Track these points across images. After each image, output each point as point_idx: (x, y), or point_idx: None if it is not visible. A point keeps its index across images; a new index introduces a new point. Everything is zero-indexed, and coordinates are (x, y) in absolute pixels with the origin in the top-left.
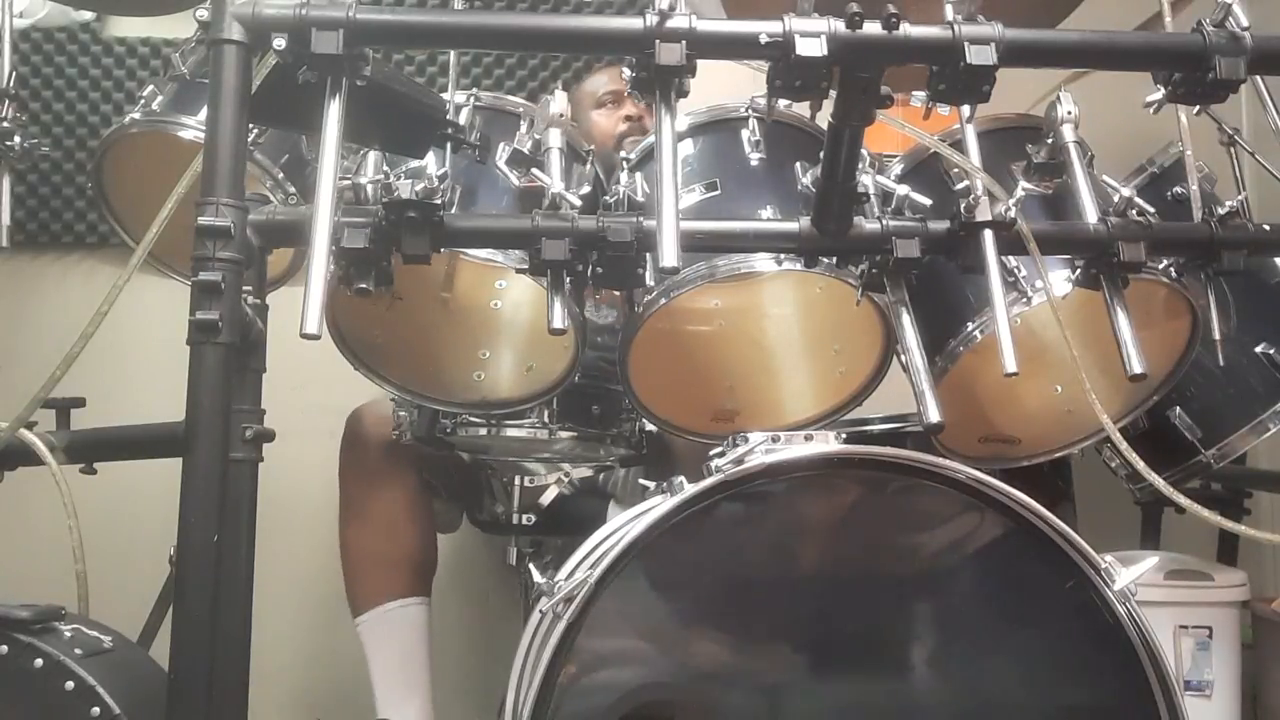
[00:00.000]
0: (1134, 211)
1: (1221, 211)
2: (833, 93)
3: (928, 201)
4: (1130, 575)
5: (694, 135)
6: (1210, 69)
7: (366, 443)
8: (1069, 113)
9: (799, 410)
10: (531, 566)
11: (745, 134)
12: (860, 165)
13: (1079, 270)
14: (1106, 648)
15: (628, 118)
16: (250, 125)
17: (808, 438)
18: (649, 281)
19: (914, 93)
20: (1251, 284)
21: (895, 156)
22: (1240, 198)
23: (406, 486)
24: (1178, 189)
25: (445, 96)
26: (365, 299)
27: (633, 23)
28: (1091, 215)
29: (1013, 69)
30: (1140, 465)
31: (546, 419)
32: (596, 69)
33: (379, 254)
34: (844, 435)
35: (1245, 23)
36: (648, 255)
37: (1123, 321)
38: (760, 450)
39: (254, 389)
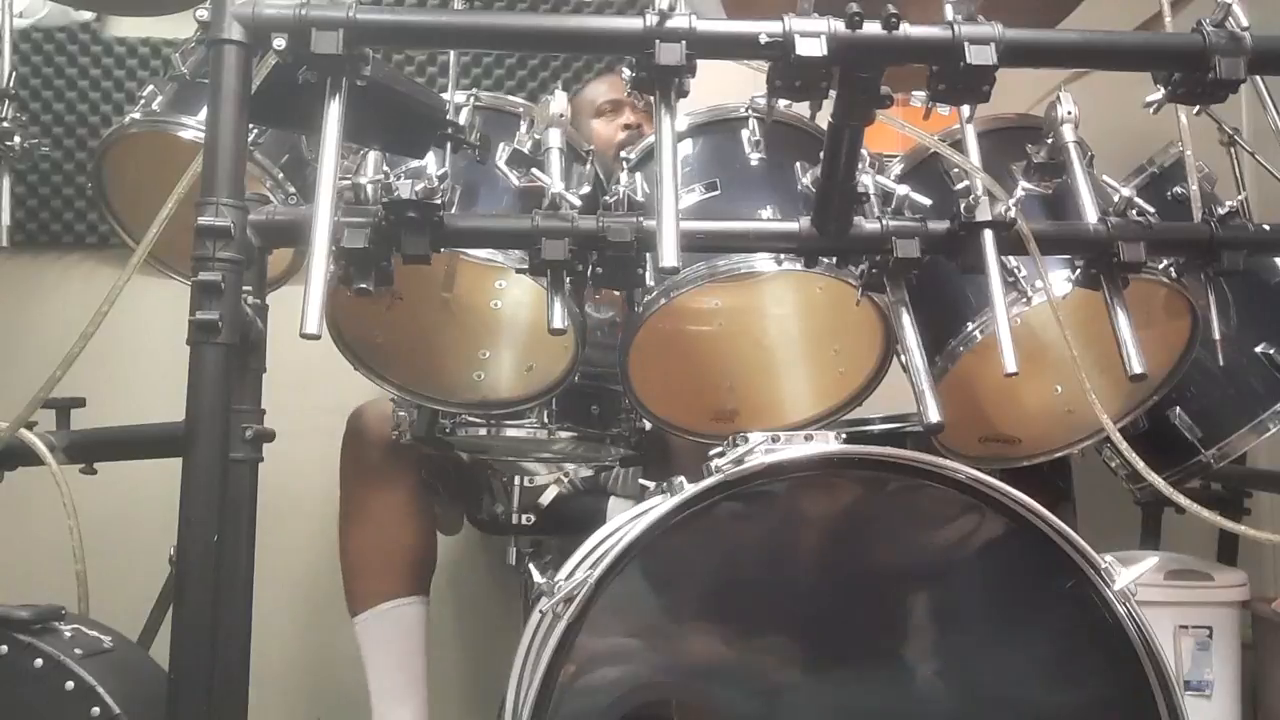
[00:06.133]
0: (1134, 211)
1: (1221, 211)
2: (833, 93)
3: (928, 201)
4: (1130, 575)
5: (694, 135)
6: (1210, 69)
7: (367, 441)
8: (1069, 113)
9: (799, 410)
10: (531, 566)
11: (745, 134)
12: (860, 165)
13: (1079, 270)
14: (1106, 648)
15: (626, 126)
16: (250, 125)
17: (808, 438)
18: (649, 281)
19: (914, 93)
20: (1251, 284)
21: (895, 156)
22: (1240, 198)
23: (407, 485)
24: (1178, 189)
25: (445, 96)
26: (365, 299)
27: (633, 23)
28: (1091, 215)
29: (1013, 69)
30: (1140, 465)
31: (546, 419)
32: (595, 76)
33: (379, 254)
34: (844, 435)
35: (1245, 23)
36: (648, 255)
37: (1123, 321)
38: (760, 450)
39: (254, 389)
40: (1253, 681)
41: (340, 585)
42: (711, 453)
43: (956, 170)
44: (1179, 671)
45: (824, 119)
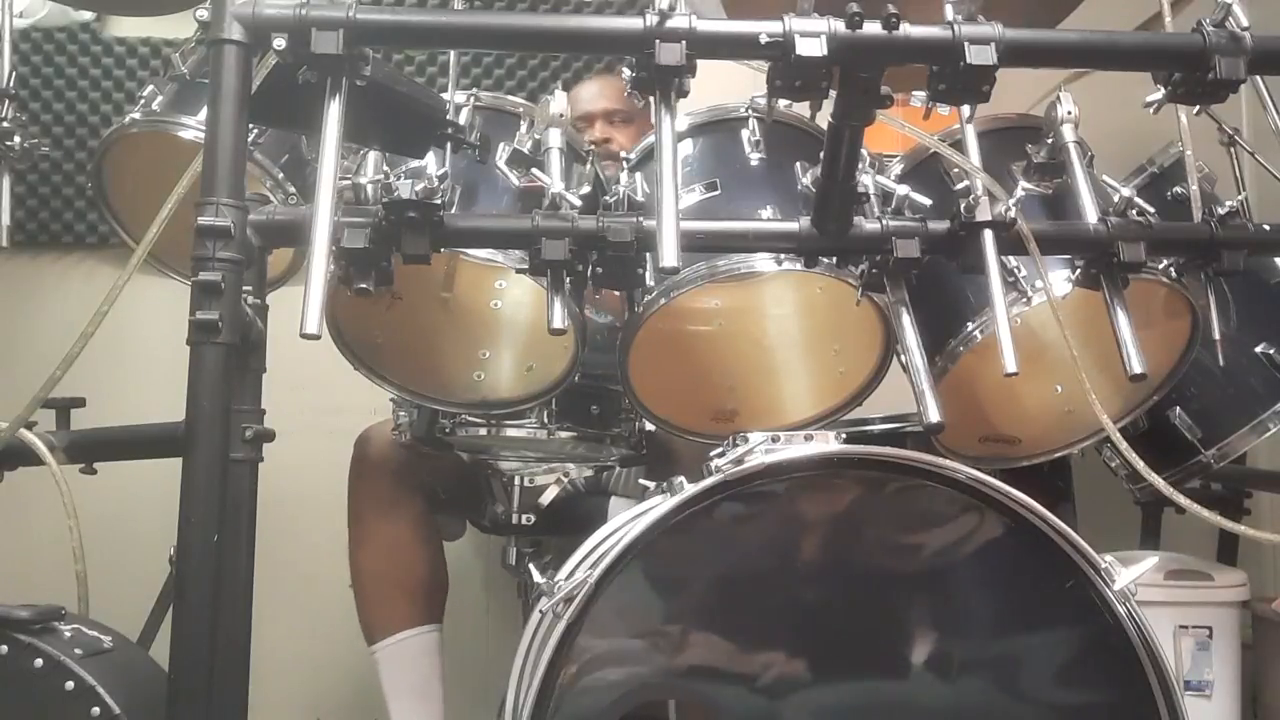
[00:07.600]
0: (1134, 211)
1: (1221, 211)
2: (833, 93)
3: (928, 201)
4: (1130, 575)
5: (694, 135)
6: (1210, 69)
7: (375, 468)
8: (1069, 113)
9: (799, 410)
10: (531, 566)
11: (745, 134)
12: (860, 165)
13: (1079, 270)
14: (1106, 648)
15: (593, 143)
16: (250, 125)
17: (808, 438)
18: (649, 281)
19: (914, 93)
20: (1251, 284)
21: (895, 156)
22: (1240, 198)
23: (415, 512)
24: (1178, 189)
25: (445, 96)
26: (365, 299)
27: (633, 23)
28: (1091, 215)
29: (1013, 69)
30: (1140, 465)
31: (546, 419)
32: (581, 81)
33: (379, 254)
34: (844, 435)
35: (1245, 23)
36: (648, 255)
37: (1123, 321)
38: (760, 450)
39: (254, 389)
40: (1253, 681)
41: (340, 586)
42: (712, 453)
43: (956, 170)
44: (1179, 671)
45: (824, 119)
